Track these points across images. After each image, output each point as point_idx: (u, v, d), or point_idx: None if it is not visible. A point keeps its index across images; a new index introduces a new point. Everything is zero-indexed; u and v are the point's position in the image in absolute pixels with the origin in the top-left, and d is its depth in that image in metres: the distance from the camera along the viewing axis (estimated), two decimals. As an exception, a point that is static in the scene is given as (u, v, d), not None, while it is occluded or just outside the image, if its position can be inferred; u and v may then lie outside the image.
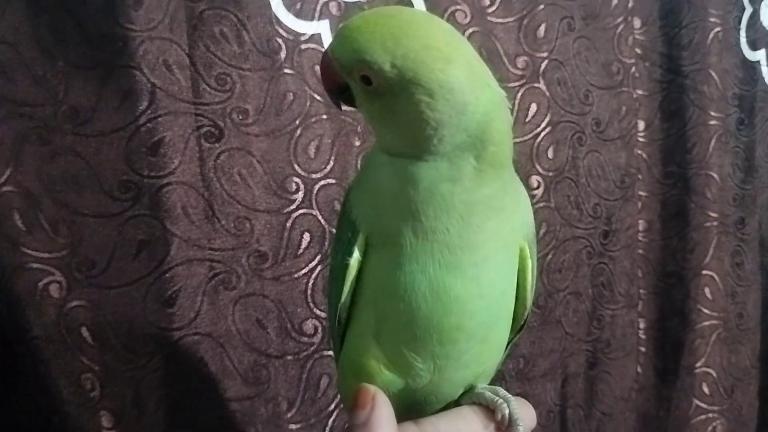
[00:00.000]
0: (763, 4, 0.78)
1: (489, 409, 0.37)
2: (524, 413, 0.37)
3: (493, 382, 0.41)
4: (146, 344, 0.55)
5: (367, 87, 0.34)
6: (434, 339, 0.36)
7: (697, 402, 0.79)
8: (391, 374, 0.37)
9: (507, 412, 0.36)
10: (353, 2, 0.61)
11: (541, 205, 0.67)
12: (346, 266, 0.37)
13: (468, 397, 0.39)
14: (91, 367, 0.55)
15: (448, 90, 0.32)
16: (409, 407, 0.38)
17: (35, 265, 0.53)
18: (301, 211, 0.59)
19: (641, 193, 0.77)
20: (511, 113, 0.62)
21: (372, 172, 0.37)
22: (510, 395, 0.38)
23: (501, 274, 0.37)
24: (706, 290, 0.78)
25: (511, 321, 0.40)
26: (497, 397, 0.37)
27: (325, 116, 0.60)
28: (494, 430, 0.37)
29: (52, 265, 0.54)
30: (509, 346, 0.42)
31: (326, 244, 0.60)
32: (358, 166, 0.61)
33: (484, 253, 0.35)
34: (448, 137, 0.33)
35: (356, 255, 0.37)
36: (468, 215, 0.34)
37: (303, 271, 0.60)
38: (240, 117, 0.57)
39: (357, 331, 0.39)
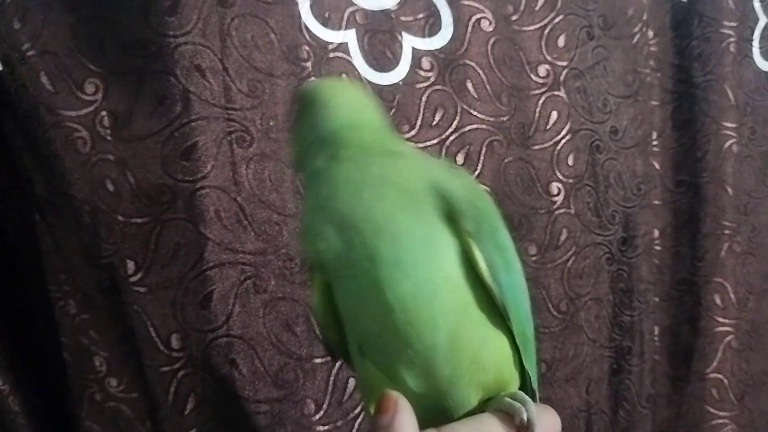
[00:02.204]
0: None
1: (510, 415, 0.37)
2: (546, 419, 0.38)
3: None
4: (183, 344, 0.56)
5: None
6: (399, 343, 0.35)
7: (708, 407, 0.80)
8: (394, 385, 0.37)
9: (525, 416, 0.36)
10: (380, 11, 0.62)
11: (562, 211, 0.68)
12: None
13: (491, 404, 0.39)
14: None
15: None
16: (430, 416, 0.38)
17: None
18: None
19: (654, 201, 0.78)
20: (533, 120, 0.65)
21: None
22: (529, 399, 0.38)
23: (427, 252, 0.35)
24: (717, 297, 0.79)
25: (493, 317, 0.37)
26: (516, 402, 0.37)
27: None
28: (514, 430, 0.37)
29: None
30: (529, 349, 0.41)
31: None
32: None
33: (393, 230, 0.34)
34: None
35: (316, 294, 0.38)
36: (357, 193, 0.35)
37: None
38: (270, 123, 0.58)
39: (352, 350, 0.40)
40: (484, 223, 0.36)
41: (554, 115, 0.68)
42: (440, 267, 0.35)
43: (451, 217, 0.35)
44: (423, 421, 0.36)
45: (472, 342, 0.37)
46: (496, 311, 0.37)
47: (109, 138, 0.55)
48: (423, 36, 0.63)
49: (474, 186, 0.39)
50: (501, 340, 0.38)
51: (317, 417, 0.60)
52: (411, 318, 0.35)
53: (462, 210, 0.35)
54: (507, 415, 0.37)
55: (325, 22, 0.60)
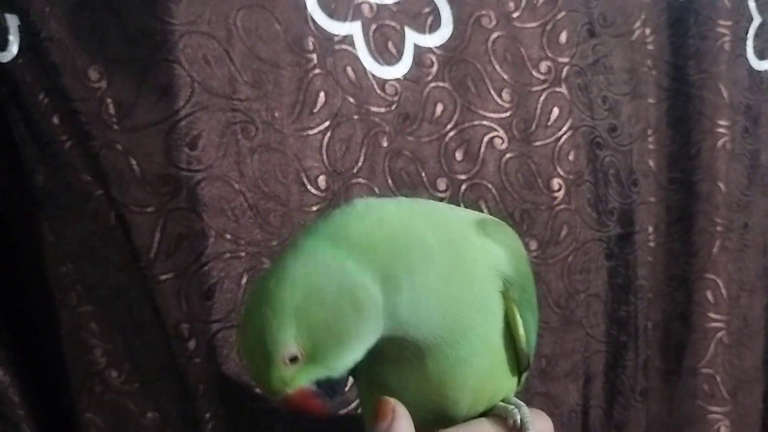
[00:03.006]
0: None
1: (503, 420, 0.40)
2: (539, 423, 0.40)
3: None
4: (186, 335, 0.56)
5: (303, 362, 0.35)
6: (423, 395, 0.39)
7: (699, 402, 0.81)
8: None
9: (518, 418, 0.39)
10: (384, 4, 0.62)
11: (562, 207, 0.68)
12: None
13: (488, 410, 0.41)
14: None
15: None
16: (428, 422, 0.40)
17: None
18: (330, 209, 0.60)
19: (649, 198, 0.78)
20: (534, 116, 0.65)
21: None
22: (523, 404, 0.40)
23: (478, 328, 0.39)
24: (709, 294, 0.80)
25: (511, 359, 0.41)
26: (510, 405, 0.40)
27: (356, 116, 0.61)
28: None
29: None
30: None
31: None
32: (386, 165, 0.63)
33: (459, 314, 0.37)
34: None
35: None
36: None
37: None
38: (275, 114, 0.58)
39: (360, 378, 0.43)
40: (526, 288, 0.40)
41: (555, 111, 0.68)
42: (485, 337, 0.39)
43: (503, 289, 0.39)
44: (420, 427, 0.38)
45: (491, 388, 0.41)
46: (514, 352, 0.41)
47: (112, 126, 0.54)
48: (424, 32, 0.64)
49: (519, 250, 0.42)
50: (512, 370, 0.42)
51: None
52: (445, 382, 0.39)
53: (513, 282, 0.39)
54: (501, 418, 0.40)
55: (331, 14, 0.60)
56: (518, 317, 0.39)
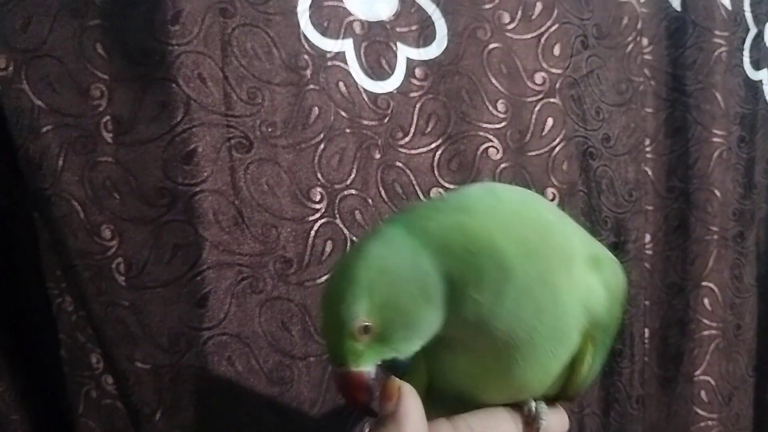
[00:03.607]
0: (767, 25, 0.80)
1: (519, 408, 0.41)
2: (555, 417, 0.41)
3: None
4: (178, 342, 0.58)
5: (372, 335, 0.36)
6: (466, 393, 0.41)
7: (696, 409, 0.82)
8: None
9: (532, 405, 0.40)
10: (376, 22, 0.63)
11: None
12: None
13: None
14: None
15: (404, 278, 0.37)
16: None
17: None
18: (324, 220, 0.62)
19: (646, 207, 0.79)
20: (528, 127, 0.66)
21: None
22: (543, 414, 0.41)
23: (552, 355, 0.39)
24: (706, 301, 0.81)
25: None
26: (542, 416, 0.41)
27: (348, 130, 0.63)
28: (522, 424, 0.40)
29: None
30: None
31: (347, 251, 0.63)
32: (379, 178, 0.64)
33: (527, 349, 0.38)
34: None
35: None
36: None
37: (326, 277, 0.62)
38: (269, 129, 0.59)
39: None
40: (608, 331, 0.40)
41: (550, 122, 0.69)
42: (545, 364, 0.39)
43: (587, 327, 0.39)
44: (448, 406, 0.40)
45: (526, 395, 0.41)
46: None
47: (111, 141, 0.56)
48: (417, 46, 0.65)
49: (620, 294, 0.41)
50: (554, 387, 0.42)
51: (312, 414, 0.62)
52: (492, 381, 0.40)
53: (599, 324, 0.39)
54: (516, 407, 0.41)
55: (323, 32, 0.61)
56: (588, 357, 0.40)
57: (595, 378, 0.44)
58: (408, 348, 0.37)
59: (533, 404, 0.40)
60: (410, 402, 0.37)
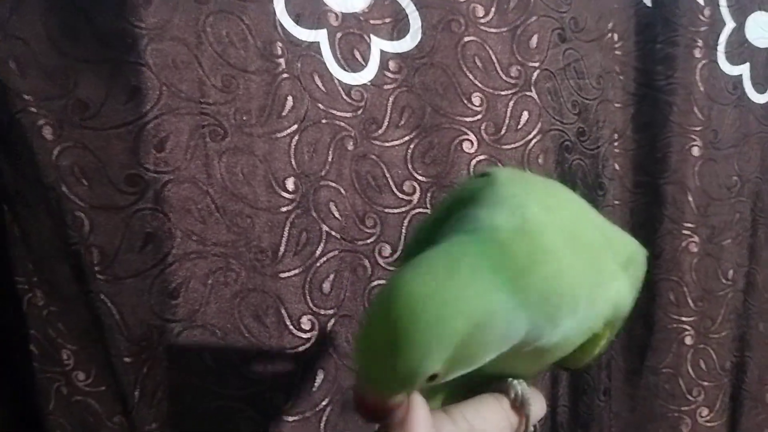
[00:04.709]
0: (748, 18, 0.80)
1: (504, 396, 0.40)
2: (536, 399, 0.40)
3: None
4: (151, 334, 0.57)
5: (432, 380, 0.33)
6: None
7: (661, 402, 0.83)
8: None
9: (519, 389, 0.39)
10: (350, 13, 0.63)
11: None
12: None
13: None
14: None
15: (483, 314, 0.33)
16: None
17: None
18: (299, 211, 0.61)
19: (614, 201, 0.80)
20: (504, 120, 0.66)
21: None
22: (522, 381, 0.40)
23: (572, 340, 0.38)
24: (671, 295, 0.81)
25: None
26: (509, 379, 0.40)
27: (323, 121, 0.62)
28: (510, 409, 0.39)
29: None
30: None
31: (322, 243, 0.62)
32: (353, 170, 0.64)
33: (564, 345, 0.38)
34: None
35: None
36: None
37: (301, 269, 0.61)
38: (243, 118, 0.58)
39: None
40: (624, 320, 0.40)
41: (525, 115, 0.69)
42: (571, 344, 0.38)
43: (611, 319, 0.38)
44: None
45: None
46: None
47: (78, 127, 0.55)
48: (391, 39, 0.64)
49: (639, 286, 0.40)
50: None
51: (286, 407, 0.61)
52: (519, 366, 0.39)
53: (620, 317, 0.39)
54: (502, 393, 0.40)
55: (298, 21, 0.60)
56: (605, 341, 0.39)
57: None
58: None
59: (519, 389, 0.39)
60: (419, 413, 0.35)
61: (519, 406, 0.39)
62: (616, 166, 0.79)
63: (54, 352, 0.59)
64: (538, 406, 0.40)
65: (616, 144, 0.79)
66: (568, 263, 0.34)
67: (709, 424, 0.84)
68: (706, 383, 0.84)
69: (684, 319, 0.82)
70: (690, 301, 0.81)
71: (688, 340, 0.82)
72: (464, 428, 0.37)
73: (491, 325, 0.32)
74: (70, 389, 0.59)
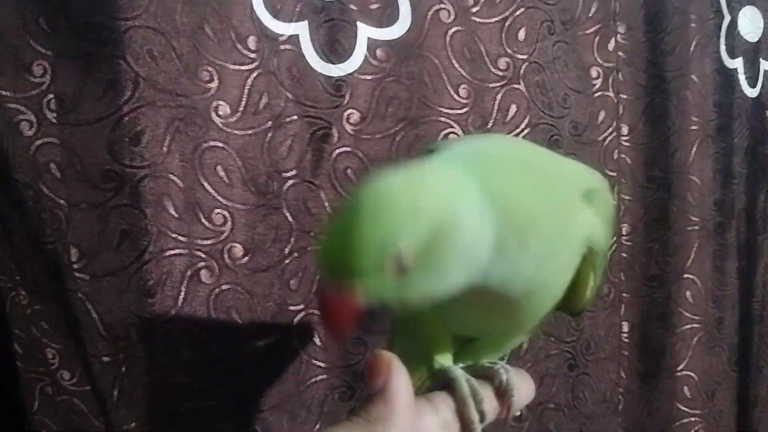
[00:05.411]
0: (740, 13, 0.79)
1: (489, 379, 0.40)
2: (522, 383, 0.40)
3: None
4: (128, 333, 0.56)
5: (400, 270, 0.31)
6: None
7: (678, 405, 0.80)
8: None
9: (504, 378, 0.39)
10: (330, 2, 0.62)
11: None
12: None
13: (470, 368, 0.41)
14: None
15: (458, 216, 0.32)
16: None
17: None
18: (272, 208, 0.60)
19: (625, 197, 0.77)
20: (491, 113, 0.65)
21: None
22: (509, 367, 0.40)
23: (554, 295, 0.39)
24: (688, 294, 0.79)
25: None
26: (497, 365, 0.40)
27: (295, 117, 0.61)
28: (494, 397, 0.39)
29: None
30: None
31: (292, 240, 0.61)
32: (331, 166, 0.62)
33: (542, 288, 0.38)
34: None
35: None
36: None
37: (276, 266, 0.60)
38: (220, 112, 0.58)
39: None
40: (606, 256, 0.41)
41: (513, 108, 0.68)
42: (555, 294, 0.39)
43: (587, 255, 0.38)
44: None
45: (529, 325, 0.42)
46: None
47: (55, 121, 0.54)
48: (380, 26, 0.63)
49: (612, 220, 0.41)
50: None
51: (266, 405, 0.60)
52: (503, 323, 0.41)
53: (599, 252, 0.39)
54: (487, 377, 0.40)
55: (276, 14, 0.59)
56: (591, 282, 0.40)
57: None
58: (415, 300, 0.33)
59: (504, 375, 0.39)
60: (400, 379, 0.35)
61: (503, 392, 0.39)
62: (628, 160, 0.77)
63: (38, 352, 0.58)
64: (524, 393, 0.40)
65: (627, 137, 0.77)
66: (528, 186, 0.35)
67: (720, 427, 0.81)
68: (721, 385, 0.81)
69: (699, 318, 0.79)
70: (705, 299, 0.79)
71: (704, 340, 0.80)
72: (447, 416, 0.37)
73: (459, 228, 0.32)
74: (55, 389, 0.59)
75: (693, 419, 0.81)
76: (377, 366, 0.35)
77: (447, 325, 0.42)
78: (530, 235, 0.34)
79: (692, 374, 0.80)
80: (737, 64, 0.80)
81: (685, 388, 0.80)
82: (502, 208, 0.33)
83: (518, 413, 0.40)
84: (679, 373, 0.80)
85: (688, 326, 0.79)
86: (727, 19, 0.78)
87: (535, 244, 0.34)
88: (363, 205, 0.31)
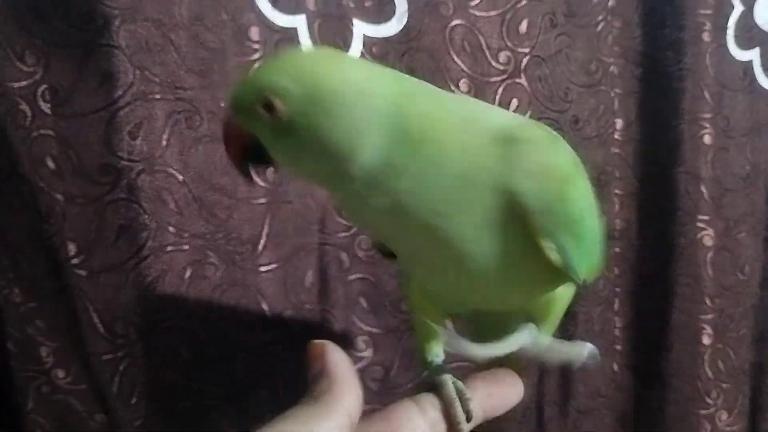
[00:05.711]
0: (757, 2, 0.77)
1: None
2: (476, 396, 0.39)
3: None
4: (127, 331, 0.55)
5: (274, 118, 0.34)
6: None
7: (687, 405, 0.80)
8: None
9: (449, 388, 0.39)
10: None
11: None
12: None
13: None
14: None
15: (348, 88, 0.34)
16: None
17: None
18: (277, 202, 0.59)
19: (618, 191, 0.77)
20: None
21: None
22: (467, 393, 0.39)
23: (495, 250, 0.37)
24: (688, 291, 0.78)
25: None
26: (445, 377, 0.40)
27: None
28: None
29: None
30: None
31: (299, 236, 0.60)
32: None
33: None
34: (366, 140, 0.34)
35: None
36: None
37: (279, 261, 0.59)
38: (220, 104, 0.56)
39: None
40: (556, 212, 0.36)
41: (515, 102, 0.67)
42: (495, 250, 0.37)
43: (515, 209, 0.35)
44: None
45: (510, 298, 0.42)
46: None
47: (49, 113, 0.53)
48: (376, 22, 0.62)
49: (547, 174, 0.36)
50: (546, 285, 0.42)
51: (267, 404, 0.59)
52: (449, 280, 0.40)
53: (531, 207, 0.35)
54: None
55: (276, 5, 0.58)
56: (546, 246, 0.36)
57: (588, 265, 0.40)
58: (292, 154, 0.36)
59: (449, 388, 0.39)
60: (337, 356, 0.36)
61: (447, 405, 0.38)
62: (623, 155, 0.76)
63: (32, 350, 0.57)
64: (477, 404, 0.39)
65: (620, 132, 0.76)
66: (440, 111, 0.36)
67: (728, 429, 0.81)
68: (725, 385, 0.81)
69: (701, 317, 0.78)
70: (707, 298, 0.78)
71: (706, 340, 0.79)
72: (434, 417, 0.37)
73: (345, 101, 0.34)
74: (50, 388, 0.57)
75: (696, 420, 0.80)
76: (313, 353, 0.36)
77: (438, 304, 0.43)
78: (427, 148, 0.35)
79: (694, 373, 0.79)
80: (753, 55, 0.78)
81: (688, 388, 0.79)
82: (404, 115, 0.35)
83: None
84: (684, 373, 0.79)
85: (689, 325, 0.78)
86: (739, 9, 0.76)
87: (432, 167, 0.35)
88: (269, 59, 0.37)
